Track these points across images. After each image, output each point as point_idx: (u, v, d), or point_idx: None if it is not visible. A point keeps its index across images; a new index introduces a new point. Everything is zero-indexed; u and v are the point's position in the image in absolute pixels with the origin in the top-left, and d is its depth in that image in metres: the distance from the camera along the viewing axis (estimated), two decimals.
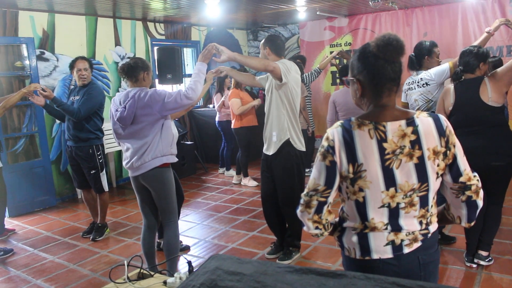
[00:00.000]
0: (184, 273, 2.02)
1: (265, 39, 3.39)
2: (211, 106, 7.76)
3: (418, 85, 3.52)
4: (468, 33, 6.73)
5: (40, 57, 5.54)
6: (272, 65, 3.07)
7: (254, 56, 4.14)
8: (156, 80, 6.93)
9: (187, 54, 8.06)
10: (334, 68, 7.41)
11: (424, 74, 3.51)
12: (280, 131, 3.31)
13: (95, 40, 6.18)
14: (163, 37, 7.25)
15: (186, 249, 3.93)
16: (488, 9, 6.51)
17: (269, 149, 3.41)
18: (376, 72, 1.45)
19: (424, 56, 3.58)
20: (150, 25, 7.00)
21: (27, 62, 5.38)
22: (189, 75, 7.93)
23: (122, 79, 6.49)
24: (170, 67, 6.48)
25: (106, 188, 4.35)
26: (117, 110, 2.93)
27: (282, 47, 3.46)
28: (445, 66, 3.41)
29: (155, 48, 6.74)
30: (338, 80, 7.76)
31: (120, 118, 2.90)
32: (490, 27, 3.53)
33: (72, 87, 4.77)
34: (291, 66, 3.24)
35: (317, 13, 7.05)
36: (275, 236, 3.70)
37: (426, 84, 3.48)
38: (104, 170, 4.35)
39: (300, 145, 3.39)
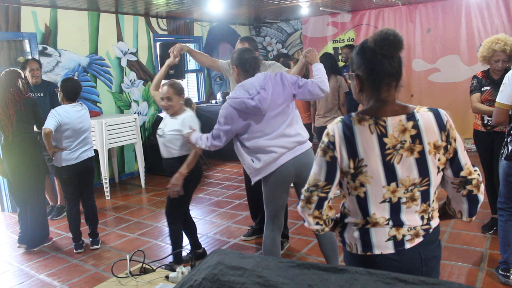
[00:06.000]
0: (186, 267, 2.03)
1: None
2: (213, 102, 7.75)
3: None
4: (471, 29, 6.69)
5: (43, 53, 5.55)
6: None
7: None
8: None
9: None
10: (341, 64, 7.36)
11: None
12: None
13: (97, 35, 6.18)
14: (166, 33, 7.24)
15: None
16: (492, 5, 6.46)
17: None
18: (373, 67, 1.45)
19: None
20: (153, 21, 6.99)
21: (29, 57, 5.37)
22: (192, 71, 7.93)
23: (125, 74, 6.49)
24: None
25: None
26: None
27: None
28: None
29: (158, 44, 6.73)
30: (346, 75, 7.72)
31: None
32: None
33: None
34: None
35: (320, 8, 7.03)
36: (254, 221, 4.05)
37: None
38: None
39: None
